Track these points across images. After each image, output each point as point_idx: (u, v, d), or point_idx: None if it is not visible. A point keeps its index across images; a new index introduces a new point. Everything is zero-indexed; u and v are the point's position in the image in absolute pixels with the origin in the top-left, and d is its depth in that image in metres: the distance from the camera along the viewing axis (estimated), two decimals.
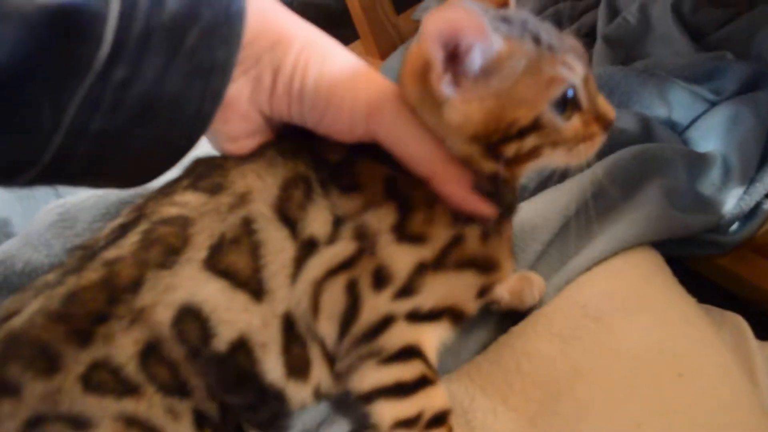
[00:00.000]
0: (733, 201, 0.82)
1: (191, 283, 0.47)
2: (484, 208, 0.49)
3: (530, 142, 0.46)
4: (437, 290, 0.50)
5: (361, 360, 0.50)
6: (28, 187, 0.41)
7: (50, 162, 0.38)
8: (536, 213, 0.69)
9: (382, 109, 0.47)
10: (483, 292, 0.53)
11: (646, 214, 0.71)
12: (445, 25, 0.41)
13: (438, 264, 0.50)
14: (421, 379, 0.51)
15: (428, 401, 0.51)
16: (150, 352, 0.47)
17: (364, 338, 0.50)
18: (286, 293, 0.49)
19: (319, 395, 0.54)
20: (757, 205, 0.82)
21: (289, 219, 0.49)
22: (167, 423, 0.48)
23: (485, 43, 0.43)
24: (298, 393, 0.52)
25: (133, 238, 0.48)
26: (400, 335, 0.51)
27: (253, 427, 0.54)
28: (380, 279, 0.50)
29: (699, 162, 0.84)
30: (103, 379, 0.46)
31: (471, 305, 0.54)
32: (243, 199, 0.49)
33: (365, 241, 0.50)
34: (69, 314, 0.46)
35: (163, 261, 0.47)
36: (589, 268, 0.65)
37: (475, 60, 0.44)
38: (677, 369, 0.54)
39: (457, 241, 0.51)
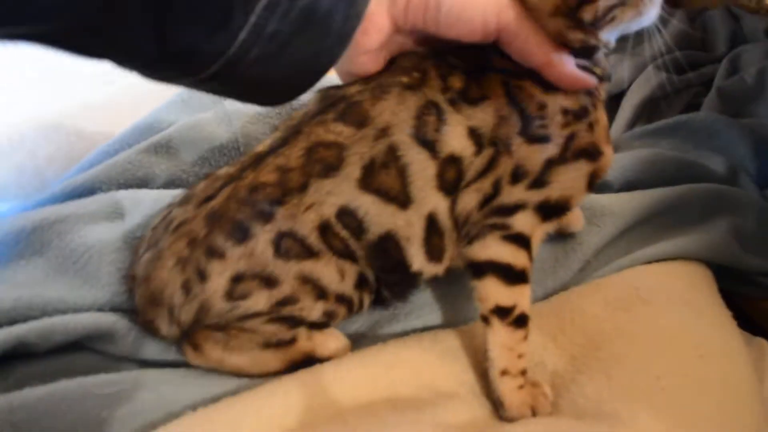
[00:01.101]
0: None
1: (348, 194, 0.59)
2: (589, 79, 0.58)
3: (603, 3, 0.54)
4: (562, 181, 0.61)
5: (489, 229, 0.61)
6: (205, 85, 0.47)
7: (233, 55, 0.43)
8: (621, 204, 0.81)
9: (508, 8, 0.55)
10: (592, 181, 0.63)
11: (710, 238, 0.82)
12: None
13: (562, 158, 0.60)
14: (523, 271, 0.62)
15: (521, 299, 0.62)
16: (326, 229, 0.60)
17: (498, 211, 0.61)
18: (431, 200, 0.60)
19: (447, 270, 0.66)
20: None
21: (427, 141, 0.59)
22: (334, 281, 0.61)
23: None
24: (433, 271, 0.64)
25: (297, 153, 0.59)
26: (524, 220, 0.61)
27: (389, 293, 0.68)
28: (517, 175, 0.60)
29: None
30: (289, 246, 0.59)
31: (581, 196, 0.64)
32: (384, 132, 0.59)
33: (501, 145, 0.60)
34: (254, 200, 0.59)
35: (326, 173, 0.59)
36: (648, 262, 0.77)
37: None
38: (700, 351, 0.65)
39: (573, 137, 0.60)
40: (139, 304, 0.65)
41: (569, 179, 0.61)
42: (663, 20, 0.58)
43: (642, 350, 0.65)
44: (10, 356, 0.63)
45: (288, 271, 0.60)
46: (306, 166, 0.59)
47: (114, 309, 0.68)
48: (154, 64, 0.44)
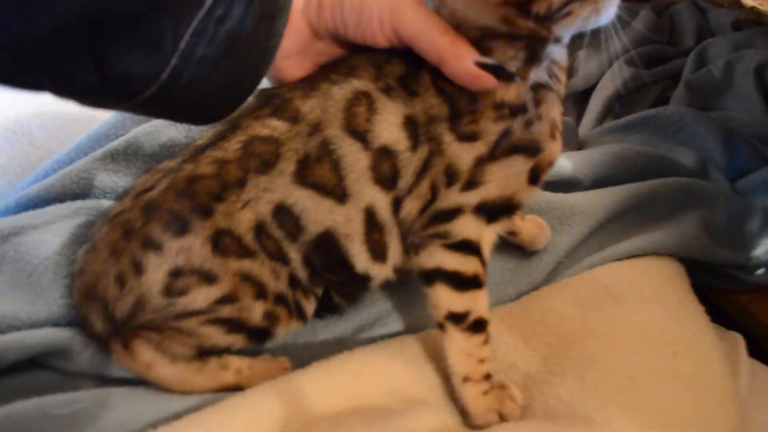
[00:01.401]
0: (764, 248, 0.91)
1: (284, 189, 0.58)
2: (489, 79, 0.55)
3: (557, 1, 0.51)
4: (496, 178, 0.58)
5: (430, 239, 0.60)
6: (141, 109, 0.48)
7: (166, 80, 0.45)
8: (591, 202, 0.81)
9: (403, 7, 0.55)
10: (534, 177, 0.60)
11: (681, 232, 0.81)
12: None
13: (492, 155, 0.58)
14: (475, 277, 0.60)
15: (475, 304, 0.60)
16: (260, 230, 0.59)
17: (437, 219, 0.59)
18: (367, 192, 0.59)
19: (397, 272, 0.64)
20: None
21: (357, 133, 0.58)
22: (270, 280, 0.60)
23: None
24: (380, 273, 0.63)
25: (234, 146, 0.58)
26: (465, 226, 0.59)
27: (339, 297, 0.67)
28: (450, 175, 0.59)
29: (741, 208, 0.93)
30: (227, 244, 0.58)
31: (526, 193, 0.61)
32: (316, 127, 0.58)
33: (434, 142, 0.58)
34: (193, 192, 0.57)
35: (262, 169, 0.58)
36: (619, 259, 0.76)
37: None
38: (673, 348, 0.65)
39: (506, 133, 0.58)
40: (75, 300, 0.63)
41: (503, 177, 0.59)
42: (621, 20, 0.55)
43: (614, 349, 0.65)
44: None
45: (227, 268, 0.58)
46: (243, 159, 0.58)
47: (71, 323, 0.66)
48: (93, 92, 0.45)
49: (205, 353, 0.62)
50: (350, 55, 0.62)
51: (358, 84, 0.59)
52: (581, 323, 0.67)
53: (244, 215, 0.58)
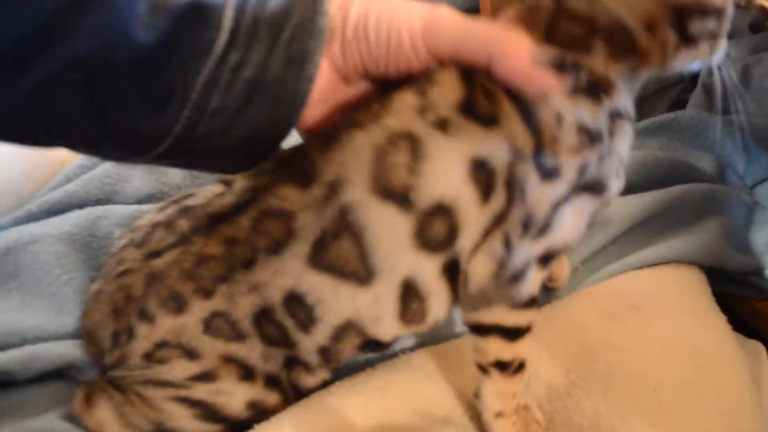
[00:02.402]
0: None
1: (297, 275, 0.51)
2: (548, 80, 0.44)
3: (711, 24, 0.45)
4: (565, 223, 0.49)
5: (497, 300, 0.52)
6: (160, 161, 0.46)
7: (179, 133, 0.43)
8: (614, 210, 0.80)
9: (436, 18, 0.46)
10: (591, 218, 0.52)
11: (702, 239, 0.81)
12: None
13: (567, 196, 0.48)
14: (528, 328, 0.55)
15: (523, 350, 0.55)
16: (263, 315, 0.54)
17: (509, 282, 0.50)
18: (405, 264, 0.50)
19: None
20: None
21: (393, 193, 0.47)
22: (258, 363, 0.57)
23: None
24: (411, 332, 0.57)
25: (245, 223, 0.53)
26: (532, 283, 0.51)
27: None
28: (527, 224, 0.48)
29: (760, 214, 0.93)
30: (220, 326, 0.55)
31: (579, 239, 0.52)
32: (334, 189, 0.48)
33: (515, 189, 0.47)
34: (198, 275, 0.54)
35: (273, 248, 0.51)
36: (640, 268, 0.76)
37: None
38: (697, 361, 0.64)
39: (584, 168, 0.47)
40: (83, 332, 0.65)
41: (573, 221, 0.49)
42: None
43: (637, 361, 0.64)
44: None
45: (213, 349, 0.56)
46: (252, 238, 0.52)
47: None
48: (104, 149, 0.45)
49: None
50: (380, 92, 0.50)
51: (393, 123, 0.47)
52: (604, 334, 0.67)
53: (248, 299, 0.54)
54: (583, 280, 0.76)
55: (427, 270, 0.50)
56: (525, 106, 0.46)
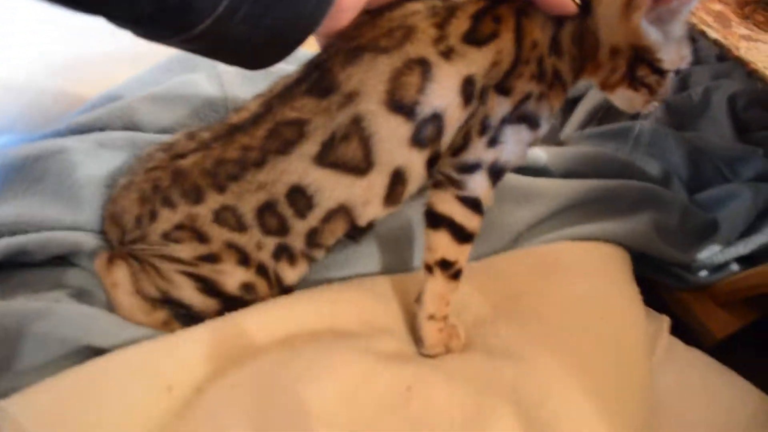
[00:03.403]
0: (708, 253, 1.03)
1: (302, 171, 0.62)
2: (569, 3, 0.59)
3: (653, 79, 0.62)
4: (510, 142, 0.63)
5: (448, 183, 0.65)
6: (191, 44, 0.48)
7: (222, 13, 0.45)
8: (556, 188, 0.93)
9: None
10: (527, 146, 0.66)
11: (632, 226, 0.93)
12: None
13: (510, 116, 0.62)
14: (472, 234, 0.67)
15: (463, 256, 0.68)
16: (267, 208, 0.64)
17: (459, 167, 0.64)
18: (399, 157, 0.61)
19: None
20: (726, 264, 1.03)
21: (403, 106, 0.58)
22: (253, 251, 0.67)
23: (683, 11, 0.59)
24: (385, 213, 0.67)
25: (262, 133, 0.62)
26: (480, 183, 0.64)
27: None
28: (484, 127, 0.62)
29: (693, 216, 1.05)
30: (227, 218, 0.65)
31: (517, 163, 0.66)
32: (350, 98, 0.58)
33: (483, 94, 0.60)
34: (215, 173, 0.64)
35: (282, 149, 0.61)
36: (572, 239, 0.88)
37: (671, 15, 0.59)
38: (603, 315, 0.77)
39: (527, 97, 0.62)
40: (104, 217, 0.74)
41: (514, 141, 0.63)
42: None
43: (554, 307, 0.77)
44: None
45: (219, 236, 0.66)
46: (266, 143, 0.62)
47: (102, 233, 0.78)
48: (150, 20, 0.44)
49: (169, 303, 0.69)
50: (405, 6, 0.60)
51: (412, 50, 0.58)
52: (530, 284, 0.80)
53: (255, 196, 0.63)
54: (523, 243, 0.88)
55: (415, 162, 0.62)
56: (521, 30, 0.60)
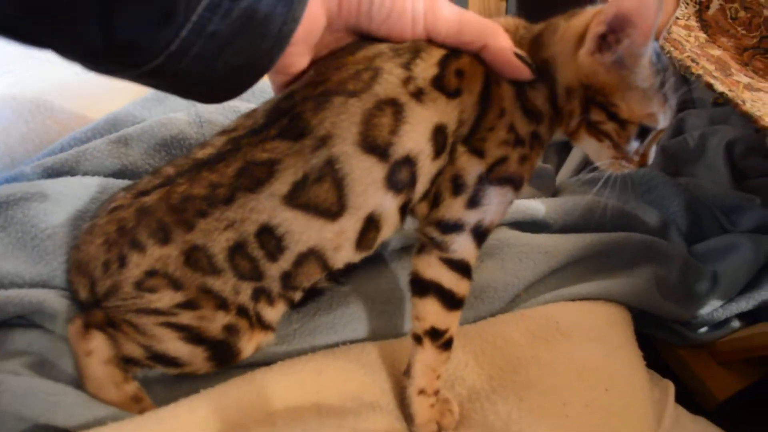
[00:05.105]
0: (709, 309, 0.99)
1: (271, 211, 0.59)
2: (523, 69, 0.59)
3: (611, 127, 0.60)
4: (494, 203, 0.62)
5: (431, 245, 0.63)
6: (145, 79, 0.48)
7: (175, 51, 0.45)
8: (556, 245, 0.88)
9: (436, 4, 0.56)
10: (510, 205, 0.65)
11: (633, 283, 0.89)
12: (626, 12, 0.54)
13: (488, 178, 0.61)
14: (462, 300, 0.64)
15: (454, 324, 0.65)
16: (237, 249, 0.61)
17: (439, 225, 0.62)
18: (373, 201, 0.59)
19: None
20: (727, 321, 0.99)
21: (376, 147, 0.57)
22: (230, 295, 0.63)
23: (642, 47, 0.55)
24: (361, 257, 0.64)
25: (231, 172, 0.60)
26: (464, 245, 0.63)
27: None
28: (457, 186, 0.61)
29: (694, 270, 1.01)
30: (199, 259, 0.61)
31: (503, 217, 0.66)
32: (323, 142, 0.57)
33: (452, 153, 0.61)
34: (182, 209, 0.61)
35: (252, 187, 0.59)
36: (573, 300, 0.84)
37: (623, 50, 0.56)
38: (607, 385, 0.72)
39: (503, 160, 0.61)
40: (70, 266, 0.70)
41: (498, 203, 0.63)
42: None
43: (554, 378, 0.72)
44: None
45: (193, 281, 0.62)
46: (235, 181, 0.60)
47: (67, 289, 0.72)
48: (99, 56, 0.45)
49: (156, 360, 0.65)
50: (371, 53, 0.59)
51: (382, 92, 0.58)
52: (529, 351, 0.75)
53: (224, 235, 0.60)
54: (521, 304, 0.83)
55: (389, 206, 0.60)
56: (487, 89, 0.60)
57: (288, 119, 0.59)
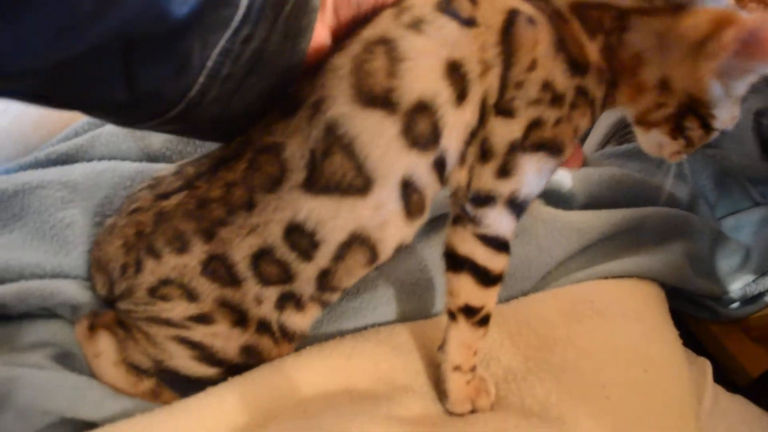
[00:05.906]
0: (741, 284, 0.97)
1: (294, 205, 0.54)
2: None
3: (697, 133, 0.57)
4: (527, 173, 0.55)
5: (464, 219, 0.57)
6: (168, 126, 0.51)
7: (194, 97, 0.47)
8: (587, 221, 0.85)
9: None
10: (550, 175, 0.59)
11: (666, 260, 0.86)
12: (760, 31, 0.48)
13: (522, 144, 0.54)
14: (499, 276, 0.59)
15: (491, 300, 0.60)
16: (262, 256, 0.56)
17: (470, 198, 0.56)
18: (400, 164, 0.52)
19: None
20: (760, 295, 0.96)
21: (375, 97, 0.50)
22: (252, 306, 0.59)
23: (763, 65, 0.51)
24: (415, 229, 0.59)
25: (242, 165, 0.56)
26: (499, 219, 0.57)
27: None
28: (484, 152, 0.54)
29: (724, 244, 0.99)
30: (217, 270, 0.57)
31: (540, 189, 0.59)
32: (317, 108, 0.52)
33: (483, 106, 0.53)
34: (200, 216, 0.57)
35: (269, 187, 0.54)
36: (606, 278, 0.81)
37: (740, 73, 0.52)
38: (645, 366, 0.69)
39: (537, 123, 0.54)
40: (90, 262, 0.68)
41: (534, 174, 0.56)
42: None
43: (592, 360, 0.69)
44: None
45: (210, 292, 0.58)
46: (247, 179, 0.55)
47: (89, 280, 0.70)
48: (123, 109, 0.48)
49: (167, 375, 0.62)
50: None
51: (369, 33, 0.52)
52: (564, 331, 0.72)
53: (248, 240, 0.56)
54: (552, 282, 0.81)
55: (421, 167, 0.53)
56: (509, 28, 0.51)
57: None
